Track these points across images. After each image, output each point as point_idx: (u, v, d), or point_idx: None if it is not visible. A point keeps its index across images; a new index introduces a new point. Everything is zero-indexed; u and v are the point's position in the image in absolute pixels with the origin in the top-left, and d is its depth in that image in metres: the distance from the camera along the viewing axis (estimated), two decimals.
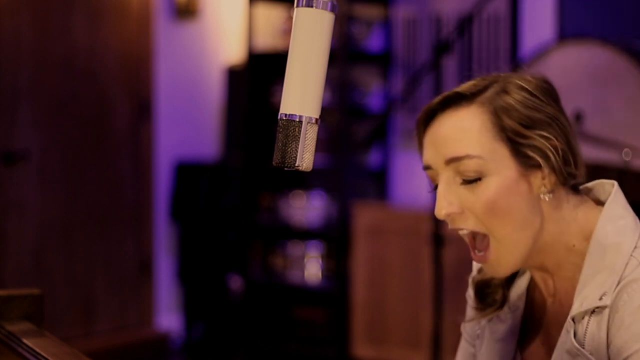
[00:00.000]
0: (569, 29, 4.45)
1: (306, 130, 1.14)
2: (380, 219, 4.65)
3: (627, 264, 1.27)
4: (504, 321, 1.41)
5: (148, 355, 4.97)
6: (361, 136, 4.85)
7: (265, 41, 5.24)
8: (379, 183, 5.03)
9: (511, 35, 4.58)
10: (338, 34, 4.60)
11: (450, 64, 4.64)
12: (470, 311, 1.48)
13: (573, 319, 1.28)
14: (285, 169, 1.15)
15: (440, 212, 1.30)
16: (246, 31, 5.00)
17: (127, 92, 4.96)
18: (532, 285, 1.41)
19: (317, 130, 1.16)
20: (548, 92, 1.32)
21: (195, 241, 5.17)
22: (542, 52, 4.10)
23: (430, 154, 1.31)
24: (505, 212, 1.27)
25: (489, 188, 1.27)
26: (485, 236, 1.30)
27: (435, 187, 1.32)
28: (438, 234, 3.45)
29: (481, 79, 1.34)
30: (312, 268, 4.93)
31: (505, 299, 1.41)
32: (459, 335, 1.52)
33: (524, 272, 1.42)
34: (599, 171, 1.39)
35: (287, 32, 4.93)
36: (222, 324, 5.20)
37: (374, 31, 5.01)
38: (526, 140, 1.27)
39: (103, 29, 4.82)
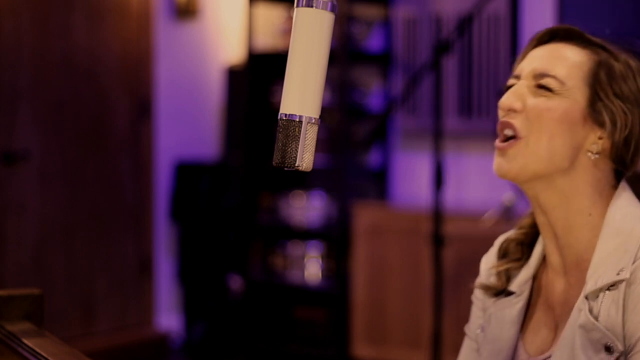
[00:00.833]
0: None
1: (306, 130, 1.14)
2: (380, 219, 4.65)
3: None
4: (510, 306, 1.44)
5: (148, 355, 4.97)
6: (361, 136, 4.85)
7: (265, 41, 5.24)
8: (379, 183, 5.02)
9: (511, 35, 4.58)
10: (338, 34, 4.60)
11: (450, 64, 4.64)
12: (475, 312, 1.51)
13: (587, 297, 1.32)
14: (285, 169, 1.15)
15: (506, 101, 1.38)
16: (246, 31, 5.01)
17: (127, 92, 4.96)
18: (539, 272, 1.45)
19: (317, 130, 1.16)
20: None
21: (195, 241, 5.18)
22: None
23: (527, 64, 1.41)
24: (549, 127, 1.35)
25: (552, 101, 1.37)
26: (518, 140, 1.37)
27: (506, 89, 1.42)
28: (438, 234, 3.45)
29: (604, 40, 1.44)
30: (312, 268, 4.93)
31: (524, 255, 1.47)
32: (461, 339, 1.53)
33: (531, 262, 1.46)
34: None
35: (287, 32, 4.93)
36: (222, 324, 5.20)
37: (374, 31, 5.01)
38: (607, 101, 1.36)
39: (103, 29, 4.82)
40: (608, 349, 1.28)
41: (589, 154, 1.36)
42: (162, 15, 5.12)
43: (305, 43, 1.15)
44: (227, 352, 5.12)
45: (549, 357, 1.36)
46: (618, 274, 1.30)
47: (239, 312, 5.07)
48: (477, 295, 1.51)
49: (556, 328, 1.39)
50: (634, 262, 1.30)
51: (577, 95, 1.36)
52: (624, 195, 1.38)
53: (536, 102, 1.37)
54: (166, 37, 5.15)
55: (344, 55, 4.74)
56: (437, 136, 3.47)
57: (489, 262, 1.52)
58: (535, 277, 1.45)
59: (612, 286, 1.30)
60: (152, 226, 5.08)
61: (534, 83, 1.38)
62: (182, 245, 5.19)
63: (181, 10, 5.20)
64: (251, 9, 4.98)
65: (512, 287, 1.46)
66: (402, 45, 4.89)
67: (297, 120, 1.14)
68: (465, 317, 1.55)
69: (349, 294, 4.72)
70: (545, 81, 1.37)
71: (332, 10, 1.15)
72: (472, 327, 1.52)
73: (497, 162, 1.39)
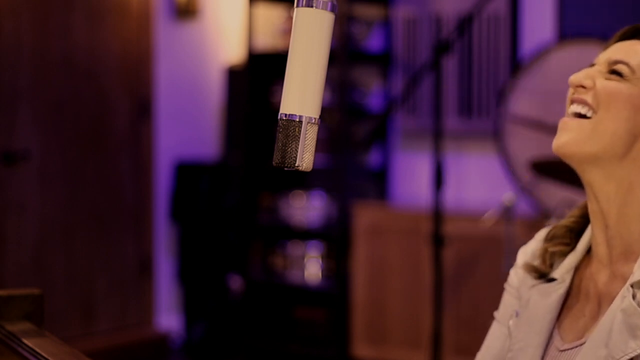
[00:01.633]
0: (569, 29, 4.45)
1: (306, 130, 1.14)
2: (380, 219, 4.65)
3: None
4: (550, 293, 1.46)
5: (148, 355, 4.97)
6: (361, 136, 4.85)
7: (265, 41, 5.24)
8: (379, 183, 5.03)
9: (511, 35, 4.58)
10: (338, 34, 4.60)
11: (450, 64, 4.64)
12: (508, 299, 1.54)
13: (632, 285, 1.33)
14: (285, 169, 1.15)
15: (576, 78, 1.44)
16: (246, 31, 5.01)
17: (127, 92, 4.96)
18: (582, 263, 1.48)
19: (317, 130, 1.16)
20: None
21: (195, 241, 5.18)
22: (542, 52, 4.10)
23: (606, 55, 1.45)
24: (615, 109, 1.39)
25: (621, 85, 1.41)
26: (584, 119, 1.41)
27: None
28: (438, 234, 3.45)
29: None
30: (312, 268, 4.93)
31: (571, 242, 1.49)
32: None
33: (577, 250, 1.48)
34: None
35: (287, 32, 4.93)
36: (222, 324, 5.20)
37: (374, 31, 5.01)
38: None
39: (103, 29, 4.82)
40: None
41: None
42: (162, 15, 5.12)
43: (305, 43, 1.15)
44: (227, 352, 5.12)
45: (584, 342, 1.37)
46: None
47: (239, 312, 5.07)
48: (512, 283, 1.54)
49: (594, 318, 1.40)
50: None
51: None
52: None
53: (606, 83, 1.41)
54: (166, 37, 5.15)
55: (344, 55, 4.74)
56: (437, 136, 3.47)
57: (528, 251, 1.54)
58: (577, 268, 1.48)
59: None
60: (152, 226, 5.08)
61: (607, 69, 1.43)
62: (182, 245, 5.20)
63: (181, 10, 5.20)
64: (251, 9, 4.98)
65: (555, 274, 1.48)
66: (402, 45, 4.89)
67: (297, 120, 1.14)
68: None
69: (349, 294, 4.72)
70: (618, 67, 1.42)
71: (332, 10, 1.15)
72: (504, 312, 1.54)
73: (557, 136, 1.43)
